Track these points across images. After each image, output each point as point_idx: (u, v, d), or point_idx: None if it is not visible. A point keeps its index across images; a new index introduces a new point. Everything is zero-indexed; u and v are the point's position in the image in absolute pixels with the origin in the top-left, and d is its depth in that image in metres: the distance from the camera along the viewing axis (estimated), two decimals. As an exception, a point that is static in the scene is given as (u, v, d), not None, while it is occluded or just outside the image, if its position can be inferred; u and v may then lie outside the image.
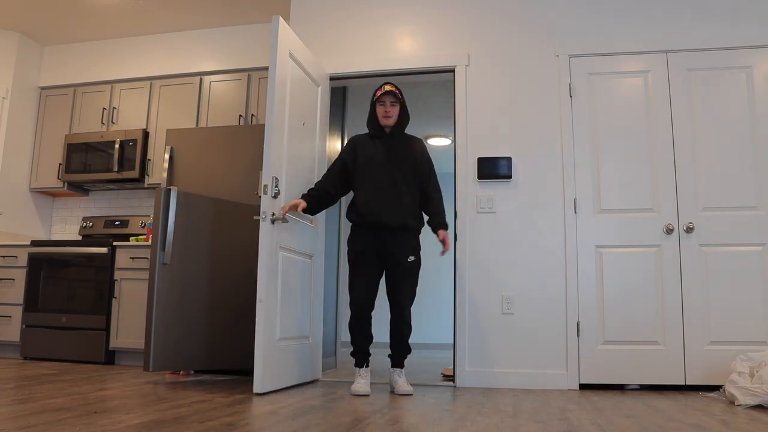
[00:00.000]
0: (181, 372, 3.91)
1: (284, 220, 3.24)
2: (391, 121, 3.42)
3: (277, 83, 3.28)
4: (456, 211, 3.88)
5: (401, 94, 3.44)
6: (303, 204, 3.30)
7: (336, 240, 4.78)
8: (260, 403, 2.73)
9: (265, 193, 3.16)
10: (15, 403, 2.51)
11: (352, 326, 3.31)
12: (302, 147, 3.64)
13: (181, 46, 5.21)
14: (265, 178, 3.18)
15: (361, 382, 3.25)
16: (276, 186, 3.22)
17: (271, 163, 3.20)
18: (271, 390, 3.17)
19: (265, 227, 3.14)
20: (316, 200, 3.39)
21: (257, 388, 3.05)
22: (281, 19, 3.32)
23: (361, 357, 3.34)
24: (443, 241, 3.35)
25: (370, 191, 3.34)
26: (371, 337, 3.36)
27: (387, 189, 3.33)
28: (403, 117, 3.48)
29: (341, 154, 3.49)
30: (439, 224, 3.39)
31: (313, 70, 3.84)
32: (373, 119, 3.48)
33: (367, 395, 3.14)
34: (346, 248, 3.42)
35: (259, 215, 3.37)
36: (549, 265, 3.74)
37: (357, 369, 3.33)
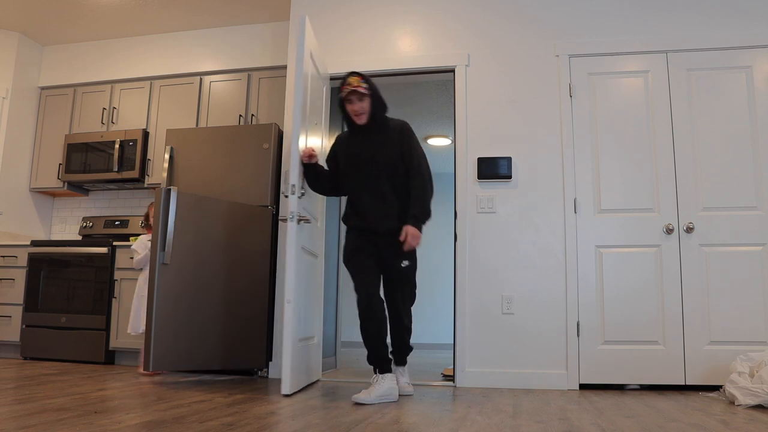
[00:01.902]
0: (151, 371, 3.85)
1: (307, 220, 3.21)
2: (364, 119, 3.14)
3: (302, 83, 3.23)
4: (456, 211, 3.88)
5: (369, 84, 3.13)
6: (316, 158, 3.22)
7: (336, 239, 4.78)
8: (260, 404, 2.73)
9: (293, 193, 3.11)
10: (15, 403, 2.51)
11: (363, 330, 3.06)
12: (314, 147, 3.63)
13: (181, 46, 5.21)
14: (293, 178, 3.12)
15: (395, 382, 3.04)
16: (302, 186, 3.20)
17: (300, 163, 3.18)
18: (297, 391, 3.15)
19: (292, 227, 3.08)
20: (319, 174, 3.30)
21: (285, 389, 3.00)
22: (307, 19, 3.29)
23: (383, 362, 3.05)
24: (404, 240, 3.02)
25: (355, 193, 3.18)
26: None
27: (370, 191, 3.12)
28: (377, 107, 3.15)
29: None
30: (408, 220, 3.06)
31: (322, 68, 3.85)
32: (346, 116, 3.20)
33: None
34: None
35: (286, 216, 3.23)
36: (549, 265, 3.74)
37: (384, 375, 3.01)
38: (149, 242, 3.95)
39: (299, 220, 3.15)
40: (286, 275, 3.05)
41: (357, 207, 3.16)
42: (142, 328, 3.79)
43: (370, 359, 3.06)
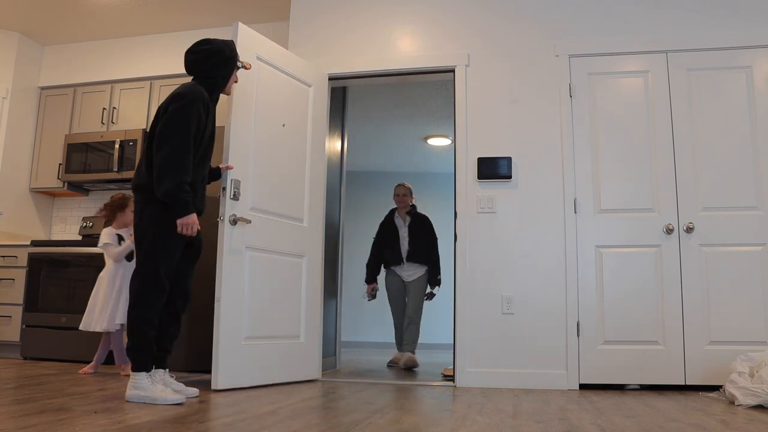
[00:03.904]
0: (88, 368, 3.85)
1: (247, 221, 3.26)
2: (227, 93, 3.11)
3: (239, 85, 3.28)
4: (456, 211, 3.88)
5: None
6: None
7: (336, 240, 4.77)
8: (260, 403, 2.73)
9: (224, 195, 3.19)
10: (15, 403, 2.51)
11: (152, 317, 2.74)
12: (282, 148, 3.63)
13: (181, 46, 5.18)
14: (224, 181, 3.20)
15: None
16: (236, 188, 3.24)
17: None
18: (231, 387, 3.18)
19: (223, 228, 3.18)
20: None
21: (215, 384, 3.08)
22: (241, 24, 3.37)
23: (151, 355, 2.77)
24: None
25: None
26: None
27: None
28: None
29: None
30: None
31: (300, 71, 3.83)
32: (223, 84, 3.00)
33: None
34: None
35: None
36: (549, 265, 3.74)
37: (148, 373, 2.71)
38: (116, 234, 3.90)
39: (236, 221, 3.22)
40: (217, 274, 3.16)
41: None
42: (104, 325, 3.74)
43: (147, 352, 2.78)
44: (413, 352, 4.88)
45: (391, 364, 4.97)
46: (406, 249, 5.02)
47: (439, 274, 5.16)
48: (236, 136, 3.29)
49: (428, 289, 5.18)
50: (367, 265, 5.20)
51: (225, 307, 3.16)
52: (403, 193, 5.12)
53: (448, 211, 8.24)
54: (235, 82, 3.12)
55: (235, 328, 3.22)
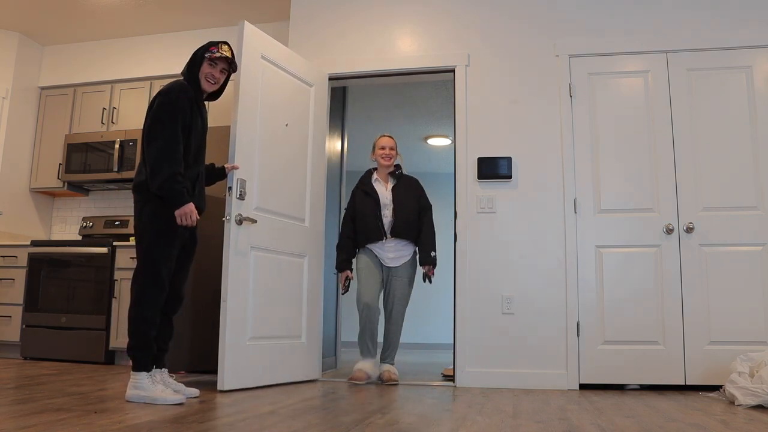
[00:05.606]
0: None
1: (253, 220, 3.27)
2: (214, 89, 2.99)
3: (244, 85, 3.30)
4: (456, 211, 3.88)
5: (234, 66, 3.00)
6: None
7: (336, 239, 4.77)
8: (260, 403, 2.73)
9: (230, 194, 3.20)
10: (15, 403, 2.51)
11: (152, 316, 2.75)
12: (284, 148, 3.64)
13: (181, 46, 5.20)
14: (230, 180, 3.21)
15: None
16: (242, 188, 3.24)
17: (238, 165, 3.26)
18: (238, 388, 3.18)
19: (229, 228, 3.17)
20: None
21: (221, 385, 3.08)
22: (247, 23, 3.37)
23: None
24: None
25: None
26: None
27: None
28: (223, 88, 3.04)
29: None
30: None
31: (302, 70, 3.84)
32: (194, 77, 2.92)
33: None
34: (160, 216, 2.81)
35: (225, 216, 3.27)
36: (549, 265, 3.74)
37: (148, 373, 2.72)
38: None
39: (241, 221, 3.22)
40: (223, 274, 3.15)
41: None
42: None
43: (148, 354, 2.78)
44: (393, 363, 3.82)
45: (355, 381, 3.67)
46: (390, 220, 3.77)
47: (434, 249, 3.83)
48: (241, 136, 3.28)
49: (421, 270, 3.89)
50: (338, 247, 3.88)
51: (231, 307, 3.15)
52: (390, 146, 3.85)
53: (448, 211, 8.24)
54: (212, 80, 2.93)
55: (241, 329, 3.21)
